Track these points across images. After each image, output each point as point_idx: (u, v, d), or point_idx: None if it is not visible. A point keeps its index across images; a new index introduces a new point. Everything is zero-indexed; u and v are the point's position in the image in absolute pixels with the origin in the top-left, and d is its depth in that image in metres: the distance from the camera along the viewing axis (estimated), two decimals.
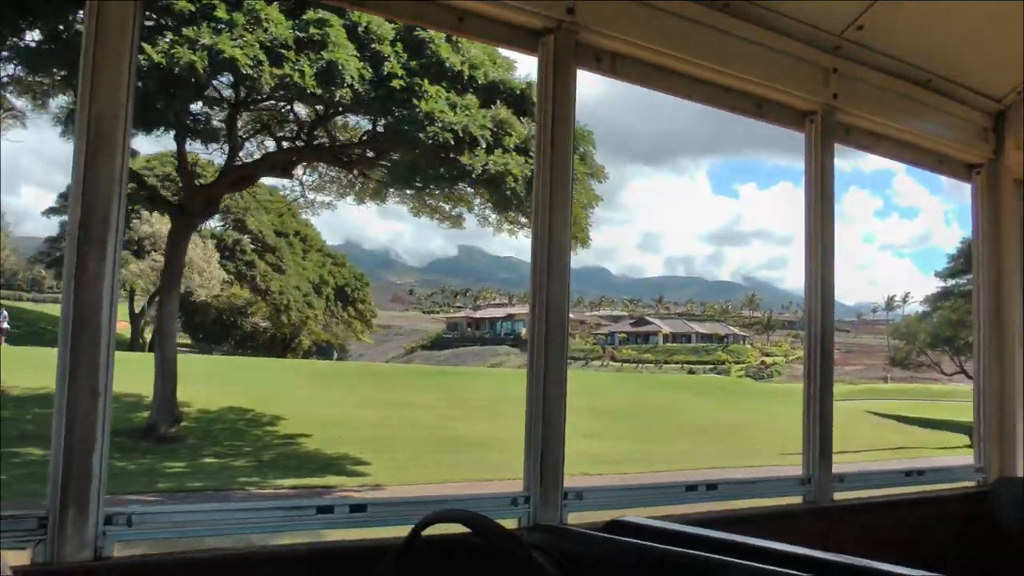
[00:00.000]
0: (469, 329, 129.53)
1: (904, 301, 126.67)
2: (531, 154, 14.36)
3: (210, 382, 27.57)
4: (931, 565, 1.91)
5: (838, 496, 3.65)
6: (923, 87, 4.04)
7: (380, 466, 18.87)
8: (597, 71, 3.06)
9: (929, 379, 63.04)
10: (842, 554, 2.11)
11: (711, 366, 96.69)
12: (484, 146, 13.74)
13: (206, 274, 41.69)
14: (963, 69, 4.10)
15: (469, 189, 14.71)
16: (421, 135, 13.56)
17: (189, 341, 66.05)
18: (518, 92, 14.92)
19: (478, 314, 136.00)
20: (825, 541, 3.50)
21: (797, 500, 3.59)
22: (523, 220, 15.89)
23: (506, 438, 23.40)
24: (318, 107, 17.60)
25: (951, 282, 46.46)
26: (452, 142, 13.46)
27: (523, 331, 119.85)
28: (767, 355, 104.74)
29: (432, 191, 16.97)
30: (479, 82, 14.74)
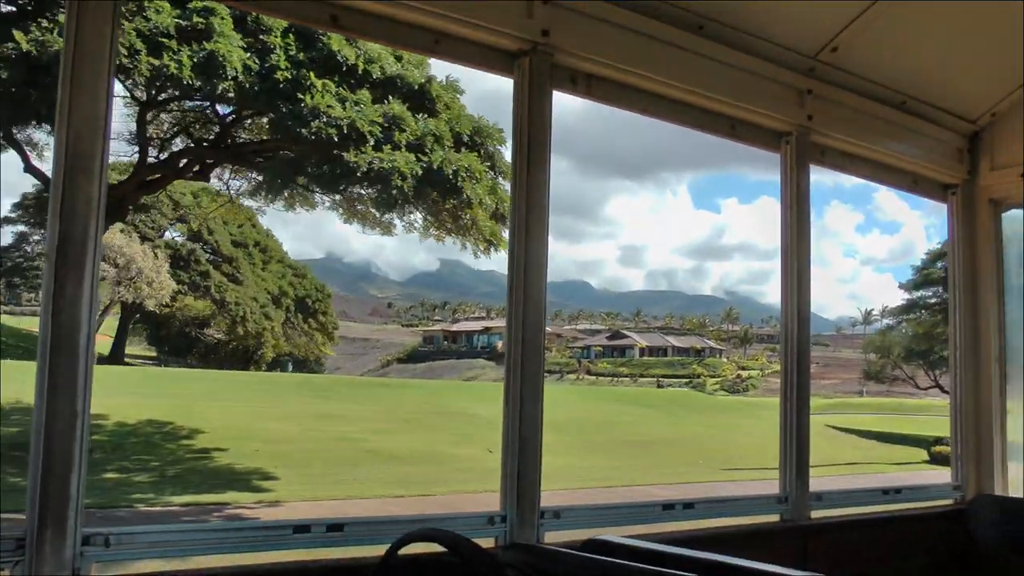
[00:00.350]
0: (446, 342, 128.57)
1: (882, 315, 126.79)
2: (426, 151, 13.62)
3: (139, 394, 26.62)
4: None
5: (815, 514, 3.63)
6: (898, 109, 4.06)
7: (288, 481, 17.95)
8: (573, 92, 3.07)
9: (905, 393, 62.70)
10: (819, 573, 2.08)
11: (686, 380, 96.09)
12: (372, 143, 12.99)
13: (156, 284, 40.64)
14: (938, 91, 4.12)
15: (356, 188, 13.90)
16: (304, 131, 12.81)
17: (154, 353, 64.96)
18: (416, 87, 14.20)
19: (455, 327, 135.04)
20: (802, 559, 3.49)
21: (774, 518, 3.56)
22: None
23: (433, 452, 22.61)
24: (226, 106, 16.82)
25: (916, 294, 46.10)
26: (336, 138, 12.71)
27: (499, 344, 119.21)
28: (743, 368, 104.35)
29: (348, 192, 16.18)
30: (375, 76, 14.01)
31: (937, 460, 29.46)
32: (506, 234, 17.92)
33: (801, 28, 3.53)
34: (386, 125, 13.46)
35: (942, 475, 4.29)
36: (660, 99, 3.30)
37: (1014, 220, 4.46)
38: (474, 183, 13.46)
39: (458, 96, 15.41)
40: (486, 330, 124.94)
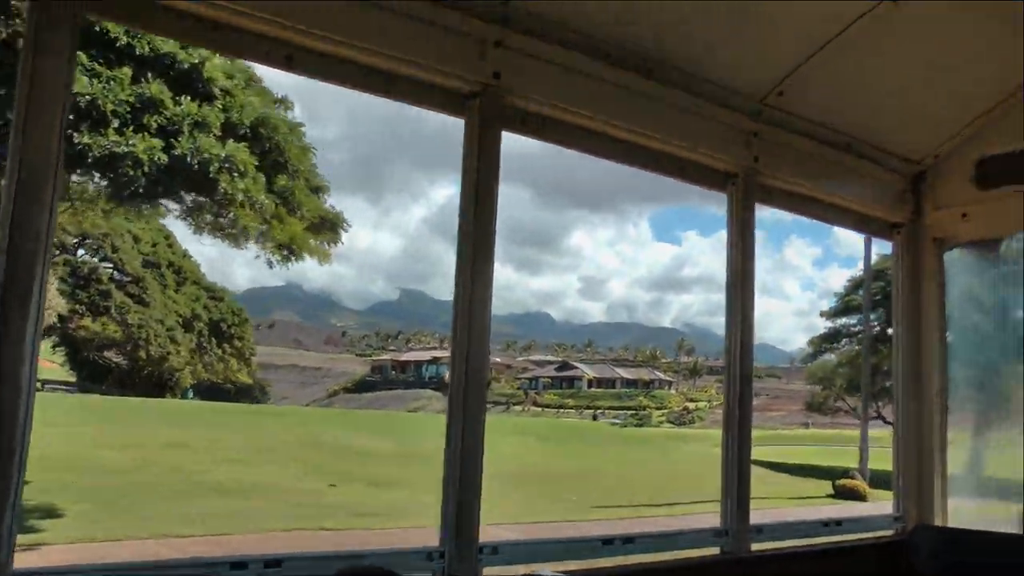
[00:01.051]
0: (394, 372, 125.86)
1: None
2: (178, 139, 11.89)
3: None
4: None
5: (755, 547, 3.65)
6: (843, 150, 4.12)
7: (74, 519, 15.87)
8: (523, 133, 3.08)
9: (848, 424, 62.27)
10: None
11: (632, 412, 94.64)
12: (116, 125, 11.29)
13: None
14: (883, 134, 4.22)
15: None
16: None
17: (73, 379, 61.77)
18: (186, 67, 12.55)
19: (404, 357, 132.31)
20: None
21: (715, 551, 3.56)
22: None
23: (271, 485, 20.65)
24: None
25: (839, 322, 45.22)
26: (72, 117, 11.00)
27: (447, 375, 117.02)
28: (691, 400, 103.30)
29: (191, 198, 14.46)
30: (139, 53, 12.34)
31: (842, 494, 28.01)
32: (329, 244, 16.29)
33: (748, 72, 3.60)
34: (139, 106, 11.72)
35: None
36: (610, 140, 3.32)
37: (956, 258, 4.55)
38: (237, 177, 11.74)
39: (252, 83, 13.75)
40: (434, 360, 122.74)
